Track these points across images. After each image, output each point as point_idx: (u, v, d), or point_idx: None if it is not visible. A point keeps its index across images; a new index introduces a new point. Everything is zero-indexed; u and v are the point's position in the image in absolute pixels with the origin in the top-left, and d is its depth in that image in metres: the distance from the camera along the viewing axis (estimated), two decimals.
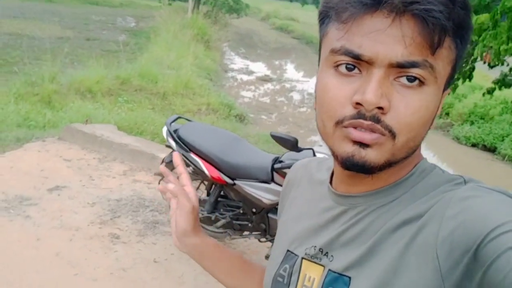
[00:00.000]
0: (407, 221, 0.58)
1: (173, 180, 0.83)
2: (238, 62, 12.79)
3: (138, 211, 3.46)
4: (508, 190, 0.56)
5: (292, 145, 2.39)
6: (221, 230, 3.03)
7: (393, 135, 0.56)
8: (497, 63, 4.15)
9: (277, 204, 2.67)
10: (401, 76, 0.55)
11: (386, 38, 0.53)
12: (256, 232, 2.88)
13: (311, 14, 25.31)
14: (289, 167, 2.50)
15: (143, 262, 2.92)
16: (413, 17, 0.53)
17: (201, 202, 3.02)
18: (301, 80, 11.98)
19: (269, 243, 2.88)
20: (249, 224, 2.87)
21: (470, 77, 4.66)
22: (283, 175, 2.55)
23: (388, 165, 0.58)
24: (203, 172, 2.76)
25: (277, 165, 2.58)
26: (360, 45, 0.55)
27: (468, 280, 0.50)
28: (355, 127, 0.56)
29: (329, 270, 0.64)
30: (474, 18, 3.68)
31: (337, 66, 0.58)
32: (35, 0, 17.93)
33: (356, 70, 0.57)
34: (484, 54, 4.01)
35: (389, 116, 0.55)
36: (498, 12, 3.75)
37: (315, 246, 0.68)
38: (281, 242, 0.77)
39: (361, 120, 0.55)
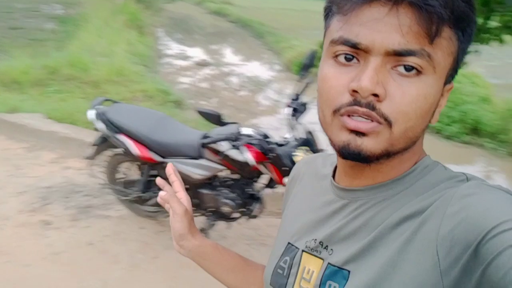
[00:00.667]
0: (408, 217, 0.59)
1: (166, 188, 0.88)
2: (174, 48, 12.57)
3: (71, 197, 3.44)
4: (509, 189, 0.57)
5: (216, 119, 2.45)
6: (156, 209, 3.09)
7: (389, 123, 0.56)
8: None
9: (207, 178, 2.77)
10: (399, 65, 0.55)
11: (383, 26, 0.54)
12: None
13: None
14: (215, 141, 2.57)
15: (77, 245, 2.94)
16: (410, 6, 0.53)
17: (134, 182, 3.06)
18: (239, 64, 12.00)
19: (202, 218, 2.97)
20: None
21: None
22: (212, 150, 2.63)
23: (387, 155, 0.59)
24: (132, 152, 2.80)
25: (204, 140, 2.64)
26: (357, 34, 0.56)
27: (468, 277, 0.51)
28: (350, 115, 0.57)
29: (329, 263, 0.65)
30: None
31: (336, 56, 0.59)
32: None
33: (354, 60, 0.58)
34: None
35: (385, 104, 0.55)
36: None
37: (315, 239, 0.69)
38: (282, 235, 0.79)
39: (357, 107, 0.56)
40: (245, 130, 2.59)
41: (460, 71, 0.67)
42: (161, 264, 2.86)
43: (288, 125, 2.53)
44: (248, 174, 2.69)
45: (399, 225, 0.59)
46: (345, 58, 0.58)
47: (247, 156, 2.51)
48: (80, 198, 3.45)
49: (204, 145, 2.66)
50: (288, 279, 0.72)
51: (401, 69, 0.55)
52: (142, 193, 2.98)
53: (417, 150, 0.64)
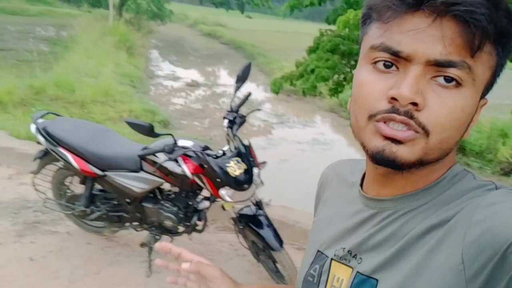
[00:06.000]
0: (434, 226, 0.59)
1: (171, 266, 0.86)
2: (165, 69, 12.64)
3: (19, 213, 3.40)
4: None
5: (147, 130, 2.29)
6: (101, 224, 3.05)
7: (426, 133, 0.56)
8: None
9: (148, 192, 2.72)
10: (439, 76, 0.55)
11: (426, 37, 0.54)
12: (134, 222, 2.92)
13: (241, 20, 25.52)
14: (151, 153, 2.50)
15: (18, 261, 2.89)
16: (454, 18, 0.53)
17: (79, 197, 3.02)
18: (230, 85, 11.99)
19: (146, 232, 2.91)
20: (125, 215, 2.90)
21: None
22: (151, 162, 2.58)
23: (420, 163, 0.58)
24: (72, 165, 2.76)
25: (140, 152, 2.53)
26: (400, 42, 0.55)
27: (493, 285, 0.51)
28: (386, 122, 0.56)
29: (357, 272, 0.66)
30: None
31: (375, 62, 0.59)
32: None
33: (393, 68, 0.57)
34: None
35: (423, 114, 0.55)
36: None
37: (344, 248, 0.70)
38: (312, 242, 0.79)
39: (394, 115, 0.55)
40: (183, 142, 2.52)
41: None
42: (102, 280, 2.80)
43: (226, 137, 2.49)
44: (187, 187, 2.63)
45: (426, 234, 0.59)
46: (384, 65, 0.58)
47: (183, 168, 2.45)
48: (29, 214, 3.40)
49: (141, 157, 2.60)
50: (318, 286, 0.72)
51: (441, 80, 0.55)
52: (86, 208, 2.93)
53: (447, 161, 0.63)
